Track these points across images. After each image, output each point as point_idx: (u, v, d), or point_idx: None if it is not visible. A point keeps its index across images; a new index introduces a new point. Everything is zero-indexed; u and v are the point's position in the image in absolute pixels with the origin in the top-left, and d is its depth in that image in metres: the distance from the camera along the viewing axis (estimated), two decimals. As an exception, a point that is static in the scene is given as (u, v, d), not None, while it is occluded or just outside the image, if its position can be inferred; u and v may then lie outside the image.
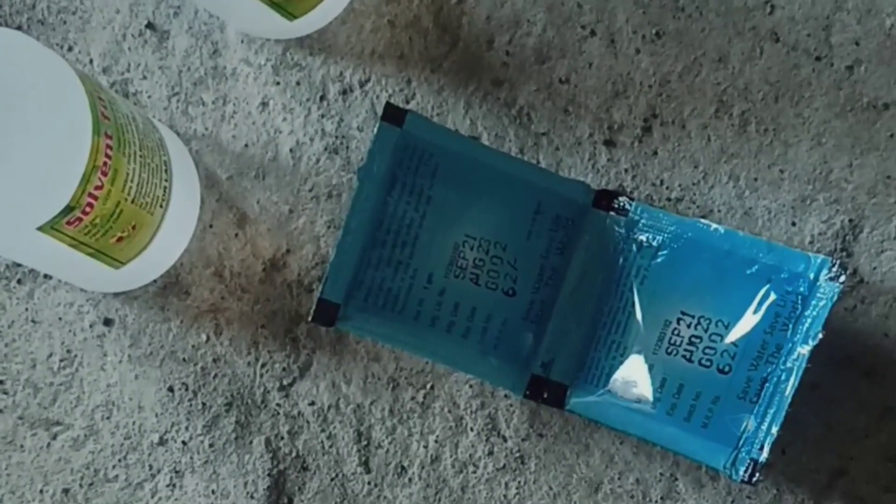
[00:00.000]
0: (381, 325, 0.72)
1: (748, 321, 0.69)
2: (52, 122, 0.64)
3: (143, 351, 0.76)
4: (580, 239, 0.72)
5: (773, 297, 0.69)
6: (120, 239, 0.69)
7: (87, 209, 0.65)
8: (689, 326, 0.70)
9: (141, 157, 0.68)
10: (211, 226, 0.76)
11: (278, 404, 0.75)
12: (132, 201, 0.68)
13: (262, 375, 0.75)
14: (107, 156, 0.65)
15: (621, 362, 0.71)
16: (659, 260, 0.71)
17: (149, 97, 0.77)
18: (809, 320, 0.68)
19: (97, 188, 0.65)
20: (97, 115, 0.65)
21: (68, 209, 0.64)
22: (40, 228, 0.64)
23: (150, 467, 0.75)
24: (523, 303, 0.72)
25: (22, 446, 0.76)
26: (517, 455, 0.74)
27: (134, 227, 0.70)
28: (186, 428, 0.75)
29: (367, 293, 0.71)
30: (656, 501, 0.73)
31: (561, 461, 0.74)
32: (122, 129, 0.67)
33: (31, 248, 0.68)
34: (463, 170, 0.72)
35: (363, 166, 0.71)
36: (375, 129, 0.71)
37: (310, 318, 0.71)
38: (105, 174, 0.65)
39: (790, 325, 0.69)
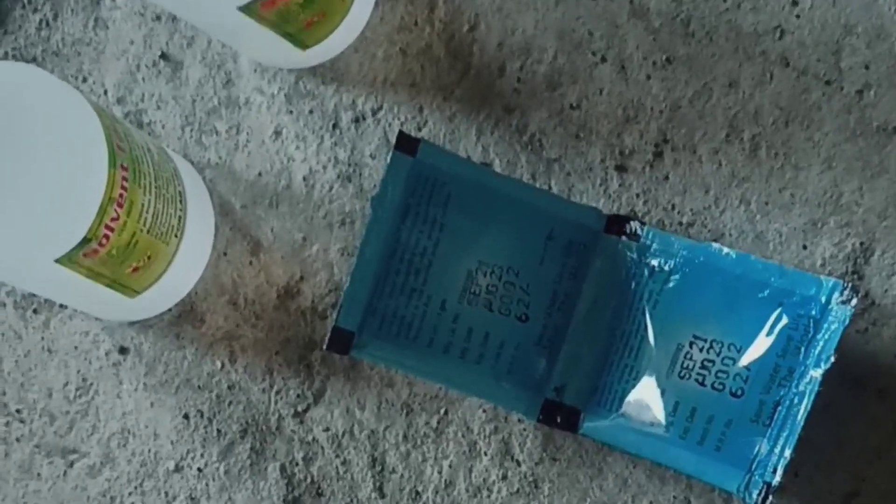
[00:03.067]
0: (395, 352, 0.72)
1: (760, 344, 0.70)
2: (68, 155, 0.64)
3: (159, 379, 0.76)
4: (592, 264, 0.72)
5: (785, 320, 0.69)
6: (136, 269, 0.70)
7: (104, 241, 0.66)
8: (701, 350, 0.71)
9: (156, 187, 0.69)
10: (225, 254, 0.76)
11: (293, 430, 0.75)
12: (148, 232, 0.68)
13: (276, 402, 0.75)
14: (122, 187, 0.65)
15: (634, 386, 0.72)
16: (671, 284, 0.71)
17: (163, 127, 0.77)
18: (821, 343, 0.68)
19: (113, 220, 0.65)
20: (113, 147, 0.65)
21: (85, 241, 0.64)
22: (58, 260, 0.65)
23: (167, 494, 0.75)
24: (536, 328, 0.72)
25: (39, 474, 0.76)
26: (531, 479, 0.74)
27: (149, 257, 0.70)
28: (202, 455, 0.75)
29: (382, 321, 0.72)
30: (671, 524, 0.74)
31: (575, 485, 0.74)
32: (137, 160, 0.67)
33: (48, 279, 0.69)
34: (475, 197, 0.72)
35: (376, 195, 0.71)
36: (388, 159, 0.71)
37: (324, 347, 0.71)
38: (121, 206, 0.66)
39: (802, 349, 0.69)
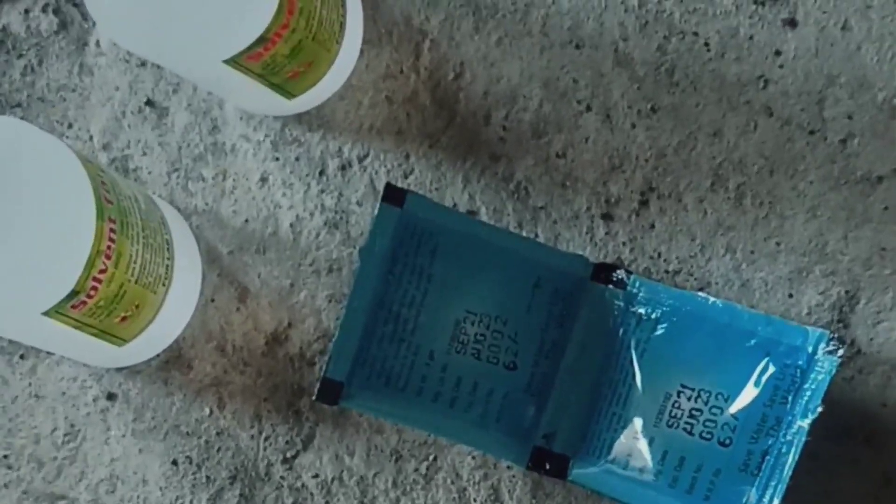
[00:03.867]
0: (383, 401, 0.72)
1: (748, 394, 0.70)
2: (56, 208, 0.64)
3: (147, 425, 0.76)
4: (579, 312, 0.73)
5: (772, 369, 0.70)
6: (124, 318, 0.70)
7: (92, 293, 0.66)
8: (689, 399, 0.71)
9: (143, 237, 0.69)
10: (213, 300, 0.76)
11: (282, 477, 0.75)
12: (135, 282, 0.69)
13: (265, 448, 0.76)
14: (110, 240, 0.66)
15: (622, 434, 0.72)
16: (658, 333, 0.72)
17: (149, 173, 0.77)
18: (808, 393, 0.69)
19: (101, 272, 0.66)
20: (100, 200, 0.65)
21: (73, 294, 0.65)
22: (45, 313, 0.65)
23: (156, 541, 0.76)
24: (524, 376, 0.73)
25: (27, 521, 0.76)
26: (520, 525, 0.75)
27: (137, 307, 0.70)
28: (191, 501, 0.75)
29: (370, 371, 0.72)
30: (659, 570, 0.74)
31: (564, 531, 0.75)
32: (124, 211, 0.67)
33: (36, 331, 0.69)
34: (463, 247, 0.72)
35: (364, 247, 0.72)
36: (376, 211, 0.71)
37: (314, 398, 0.72)
38: (109, 258, 0.66)
39: (790, 398, 0.69)
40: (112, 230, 0.66)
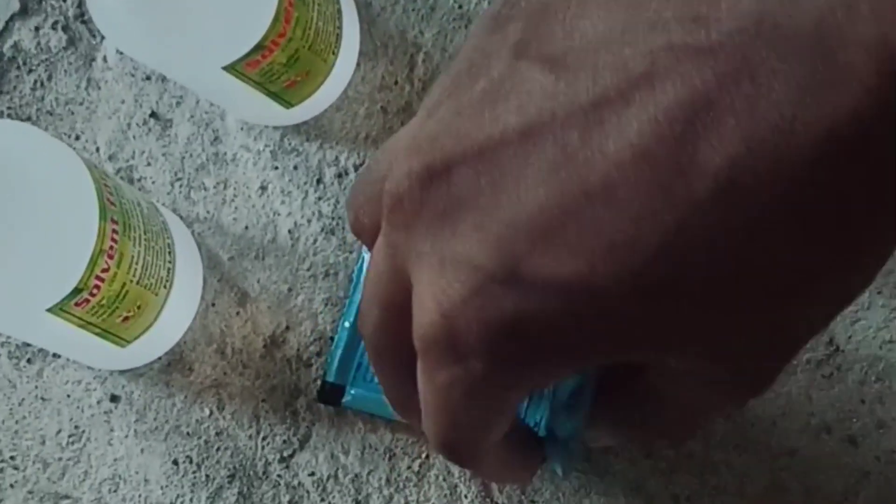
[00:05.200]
0: (382, 402, 0.74)
1: None
2: (60, 209, 0.66)
3: (149, 426, 0.78)
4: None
5: None
6: (126, 318, 0.72)
7: (94, 291, 0.68)
8: None
9: (145, 240, 0.71)
10: (213, 304, 0.78)
11: (279, 475, 0.77)
12: (137, 282, 0.70)
13: (263, 447, 0.77)
14: (113, 240, 0.68)
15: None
16: None
17: (153, 182, 0.79)
18: None
19: (104, 271, 0.67)
20: (103, 201, 0.67)
21: (76, 291, 0.66)
22: (50, 310, 0.67)
23: (156, 539, 0.77)
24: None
25: (32, 520, 0.78)
26: (510, 522, 0.76)
27: (139, 307, 0.72)
28: (191, 500, 0.77)
29: (367, 372, 0.74)
30: (645, 565, 0.75)
31: (552, 527, 0.76)
32: (127, 214, 0.69)
33: (41, 328, 0.70)
34: None
35: (358, 267, 0.75)
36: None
37: (317, 399, 0.74)
38: (111, 257, 0.68)
39: None
40: (114, 231, 0.68)
